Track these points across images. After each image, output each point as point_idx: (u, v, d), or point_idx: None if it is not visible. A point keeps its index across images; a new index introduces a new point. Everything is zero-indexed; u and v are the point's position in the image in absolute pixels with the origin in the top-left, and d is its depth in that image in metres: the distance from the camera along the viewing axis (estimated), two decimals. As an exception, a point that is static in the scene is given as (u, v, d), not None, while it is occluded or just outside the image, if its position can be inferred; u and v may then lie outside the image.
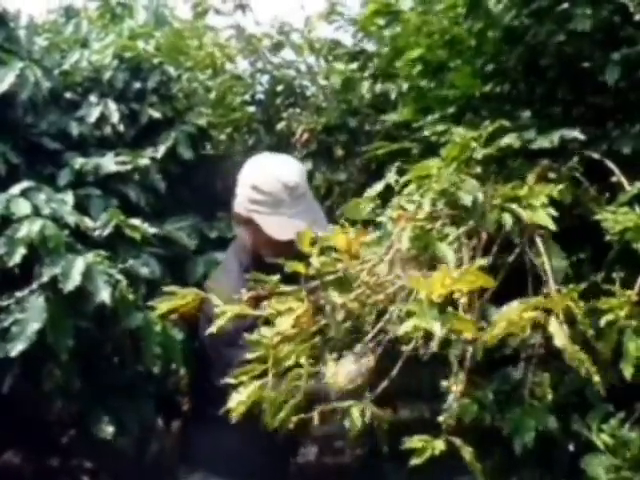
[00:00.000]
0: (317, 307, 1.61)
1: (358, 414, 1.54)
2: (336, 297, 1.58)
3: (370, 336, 1.58)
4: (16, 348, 2.01)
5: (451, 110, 2.07)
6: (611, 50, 1.95)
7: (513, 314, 1.48)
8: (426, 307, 1.39)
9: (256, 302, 1.72)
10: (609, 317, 1.57)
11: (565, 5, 1.95)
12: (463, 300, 1.41)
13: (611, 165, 1.88)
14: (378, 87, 2.60)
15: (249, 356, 1.62)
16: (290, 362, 1.57)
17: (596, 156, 1.90)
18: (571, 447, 1.83)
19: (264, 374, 1.59)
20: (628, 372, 1.57)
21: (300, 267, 1.63)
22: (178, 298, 1.89)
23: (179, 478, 2.33)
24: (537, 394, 1.68)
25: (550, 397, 1.66)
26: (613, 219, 1.75)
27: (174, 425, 3.26)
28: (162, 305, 1.89)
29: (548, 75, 2.10)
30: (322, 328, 1.62)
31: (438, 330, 1.38)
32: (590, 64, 2.03)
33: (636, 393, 1.76)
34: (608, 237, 1.77)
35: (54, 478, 3.16)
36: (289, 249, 1.85)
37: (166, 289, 1.90)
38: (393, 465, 2.36)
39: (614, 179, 1.89)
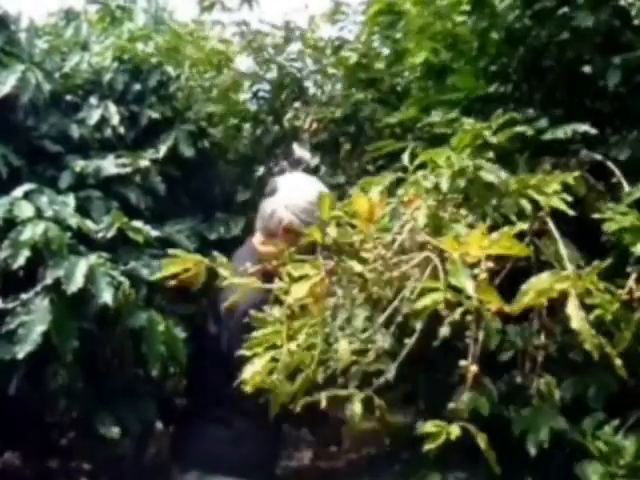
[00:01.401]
0: (332, 279, 1.57)
1: (359, 403, 1.54)
2: (355, 265, 1.54)
3: (386, 313, 1.55)
4: (23, 350, 2.01)
5: (454, 113, 2.08)
6: (611, 54, 1.97)
7: (543, 283, 1.44)
8: (460, 267, 1.35)
9: (265, 279, 1.72)
10: (597, 312, 1.55)
11: (566, 8, 1.97)
12: (483, 276, 1.39)
13: (612, 166, 1.90)
14: (387, 79, 2.59)
15: (257, 333, 1.60)
16: (301, 336, 1.54)
17: (598, 157, 1.92)
18: (565, 453, 1.85)
19: (278, 346, 1.56)
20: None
21: (318, 236, 1.60)
22: (179, 263, 1.80)
23: (174, 477, 2.35)
24: (545, 396, 1.70)
25: (558, 397, 1.67)
26: (612, 219, 1.77)
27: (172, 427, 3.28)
28: (167, 268, 1.80)
29: (548, 77, 2.12)
30: (335, 304, 1.59)
31: (471, 289, 1.34)
32: (590, 68, 2.05)
33: (630, 400, 1.78)
34: (605, 237, 1.80)
35: (52, 479, 3.16)
36: None
37: (170, 251, 1.85)
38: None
39: (614, 181, 1.91)
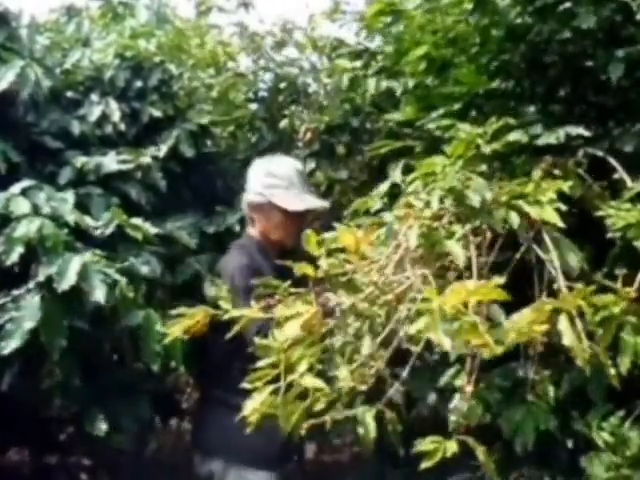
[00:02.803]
0: (326, 310, 1.59)
1: (372, 420, 1.52)
2: (345, 298, 1.56)
3: (381, 337, 1.54)
4: (9, 346, 1.99)
5: (456, 106, 2.06)
6: (613, 49, 1.96)
7: (524, 324, 1.44)
8: (438, 319, 1.35)
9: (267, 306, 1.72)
10: (604, 313, 1.55)
11: (568, 4, 1.95)
12: (472, 302, 1.38)
13: (614, 162, 1.88)
14: (383, 84, 2.58)
15: (261, 363, 1.58)
16: (302, 367, 1.53)
17: (599, 153, 1.90)
18: (571, 445, 1.83)
19: (277, 379, 1.55)
20: (624, 367, 1.57)
21: (309, 270, 1.61)
22: (188, 318, 1.81)
23: (195, 465, 2.33)
24: (539, 392, 1.68)
25: (552, 395, 1.65)
26: (616, 215, 1.75)
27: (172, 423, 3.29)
28: (173, 329, 1.81)
29: (550, 73, 2.10)
30: (332, 330, 1.59)
31: (447, 345, 1.34)
32: (592, 62, 2.03)
33: (636, 391, 1.76)
34: (610, 234, 1.77)
35: (53, 475, 3.16)
36: (298, 227, 2.20)
37: (174, 312, 1.84)
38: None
39: (616, 176, 1.89)
